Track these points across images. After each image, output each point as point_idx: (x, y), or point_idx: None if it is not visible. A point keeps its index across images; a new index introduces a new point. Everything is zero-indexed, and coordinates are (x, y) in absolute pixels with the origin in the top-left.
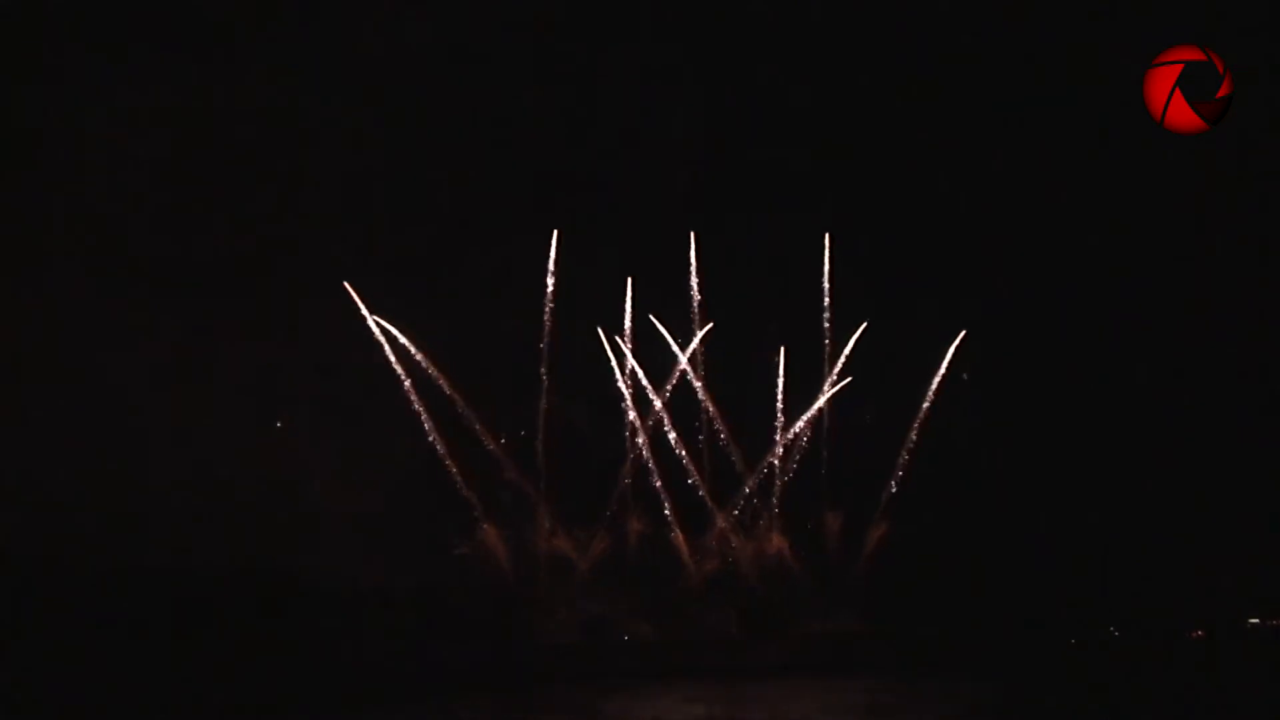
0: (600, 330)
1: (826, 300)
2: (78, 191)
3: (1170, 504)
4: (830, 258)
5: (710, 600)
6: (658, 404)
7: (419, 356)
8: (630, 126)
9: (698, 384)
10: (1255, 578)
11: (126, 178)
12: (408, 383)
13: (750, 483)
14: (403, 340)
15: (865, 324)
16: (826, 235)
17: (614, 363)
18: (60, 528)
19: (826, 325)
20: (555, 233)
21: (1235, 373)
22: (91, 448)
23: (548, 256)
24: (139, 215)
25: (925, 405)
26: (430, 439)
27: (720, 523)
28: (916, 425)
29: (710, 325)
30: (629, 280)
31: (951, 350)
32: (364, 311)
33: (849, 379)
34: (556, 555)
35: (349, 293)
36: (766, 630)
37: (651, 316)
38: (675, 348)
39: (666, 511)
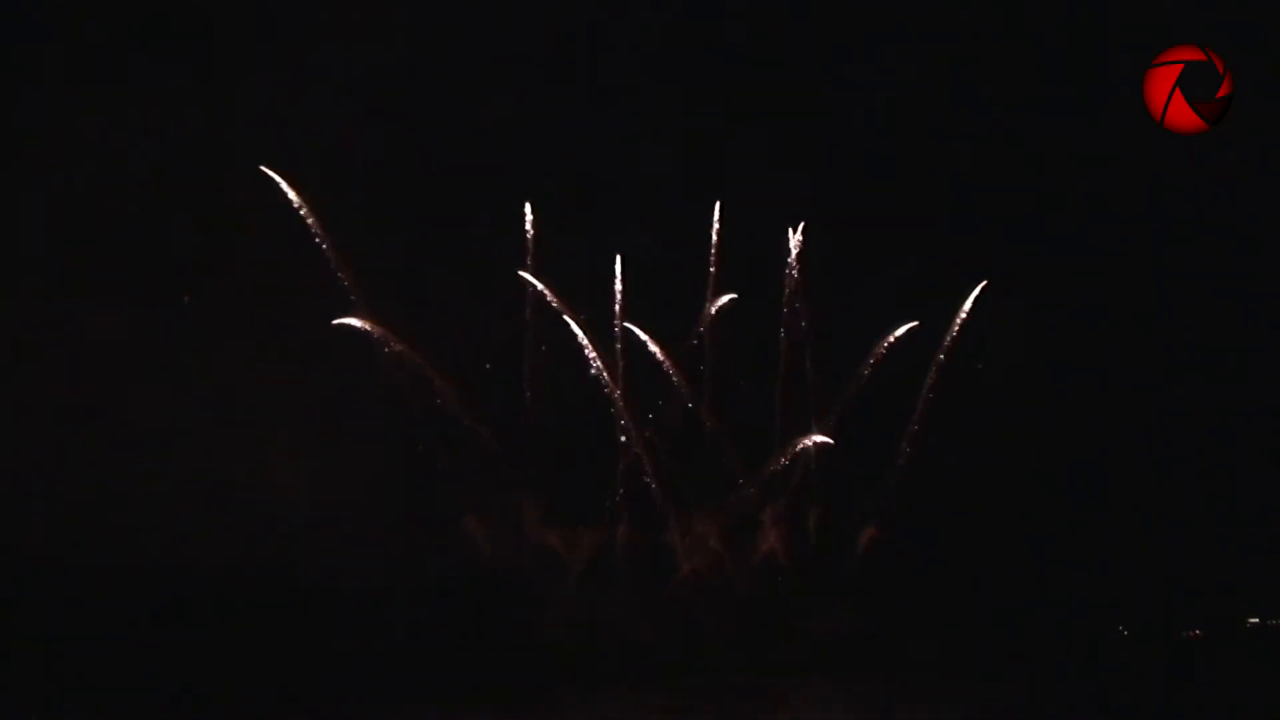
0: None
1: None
2: (62, 194)
3: (1171, 504)
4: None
5: (707, 599)
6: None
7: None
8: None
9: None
10: (1255, 578)
11: (111, 180)
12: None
13: (751, 480)
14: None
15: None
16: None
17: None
18: (50, 529)
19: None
20: (529, 206)
21: (1236, 372)
22: (76, 449)
23: (525, 238)
24: (122, 217)
25: (924, 401)
26: (415, 432)
27: (717, 519)
28: (916, 422)
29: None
30: (618, 262)
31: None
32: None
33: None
34: (547, 551)
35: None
36: (766, 630)
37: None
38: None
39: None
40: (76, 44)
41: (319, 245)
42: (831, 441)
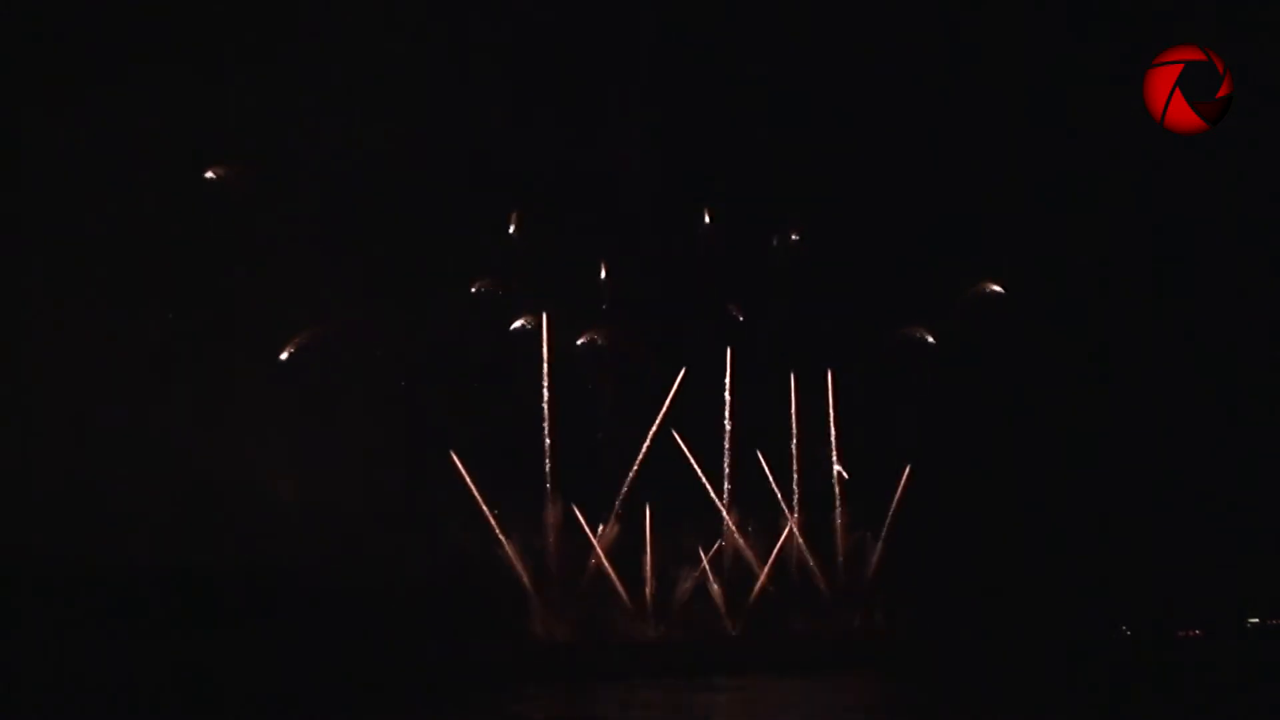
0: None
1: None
2: (56, 198)
3: (1170, 505)
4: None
5: (709, 599)
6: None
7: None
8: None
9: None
10: (1255, 578)
11: (104, 184)
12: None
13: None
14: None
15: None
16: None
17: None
18: (45, 530)
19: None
20: (516, 215)
21: (1236, 373)
22: (70, 451)
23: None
24: (116, 221)
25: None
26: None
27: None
28: (917, 428)
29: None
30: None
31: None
32: None
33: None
34: (533, 554)
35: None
36: (765, 630)
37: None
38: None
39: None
40: (75, 46)
41: (311, 250)
42: (846, 475)
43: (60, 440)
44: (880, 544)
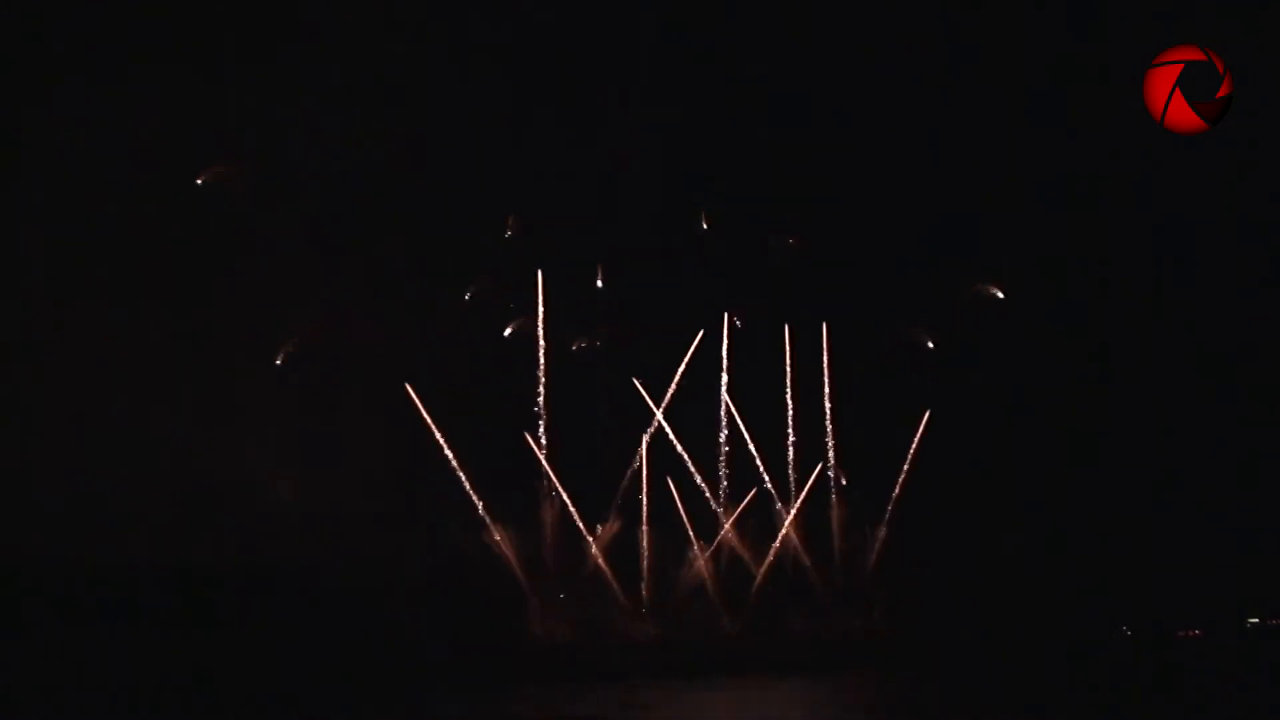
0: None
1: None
2: (56, 198)
3: (1170, 505)
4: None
5: (708, 599)
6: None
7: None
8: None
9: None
10: (1255, 578)
11: (104, 184)
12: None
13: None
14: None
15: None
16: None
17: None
18: (46, 530)
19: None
20: (515, 216)
21: (1236, 373)
22: (70, 451)
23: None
24: (116, 221)
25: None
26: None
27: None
28: (919, 429)
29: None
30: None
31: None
32: None
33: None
34: (531, 553)
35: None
36: (765, 630)
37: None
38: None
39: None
40: (75, 46)
41: (311, 250)
42: (845, 480)
43: (60, 440)
44: (884, 528)
